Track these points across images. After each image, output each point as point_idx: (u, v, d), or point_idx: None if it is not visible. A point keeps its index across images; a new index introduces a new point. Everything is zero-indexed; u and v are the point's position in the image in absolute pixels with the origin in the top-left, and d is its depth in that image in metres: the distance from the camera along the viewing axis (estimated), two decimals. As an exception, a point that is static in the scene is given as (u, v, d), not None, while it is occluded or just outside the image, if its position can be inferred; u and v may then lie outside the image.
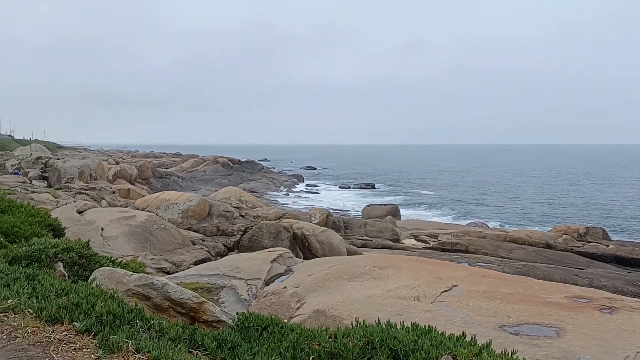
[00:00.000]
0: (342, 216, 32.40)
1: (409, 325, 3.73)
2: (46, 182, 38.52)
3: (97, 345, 2.77)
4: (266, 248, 14.75)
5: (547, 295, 7.45)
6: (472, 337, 3.64)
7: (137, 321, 3.10)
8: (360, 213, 41.22)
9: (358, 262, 9.57)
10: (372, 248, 22.44)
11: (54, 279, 3.92)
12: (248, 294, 9.05)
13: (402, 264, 9.23)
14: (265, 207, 29.50)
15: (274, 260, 10.59)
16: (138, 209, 21.27)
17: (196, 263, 14.53)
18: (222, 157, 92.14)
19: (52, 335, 2.88)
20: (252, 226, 20.28)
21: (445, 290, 7.46)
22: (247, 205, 28.14)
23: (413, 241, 25.94)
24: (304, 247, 18.53)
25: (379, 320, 3.94)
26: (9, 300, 3.34)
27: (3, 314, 3.18)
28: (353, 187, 76.40)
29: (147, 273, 7.06)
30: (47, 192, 25.96)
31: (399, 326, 3.80)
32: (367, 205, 43.00)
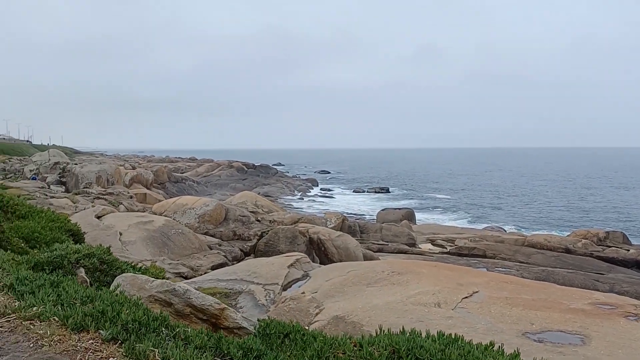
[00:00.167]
0: (357, 220, 32.32)
1: (435, 334, 3.67)
2: (64, 187, 38.97)
3: (124, 354, 2.75)
4: (282, 253, 14.74)
5: (570, 301, 7.32)
6: (499, 347, 3.57)
7: (163, 329, 3.09)
8: (375, 217, 41.08)
9: (376, 268, 9.50)
10: (388, 253, 22.32)
11: (78, 285, 3.93)
12: (266, 299, 9.04)
13: (421, 270, 9.15)
14: (281, 212, 29.53)
15: (291, 265, 10.58)
16: (155, 214, 21.41)
17: (213, 268, 14.56)
18: (236, 161, 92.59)
19: (79, 344, 2.87)
20: (268, 231, 20.29)
21: (466, 297, 7.37)
22: (263, 210, 28.19)
23: (430, 246, 25.75)
24: (320, 252, 18.48)
25: (403, 328, 3.88)
26: (34, 308, 3.34)
27: (29, 321, 3.18)
28: (367, 191, 76.18)
29: (166, 278, 7.07)
30: (65, 197, 26.26)
31: (424, 334, 3.74)
32: (382, 210, 42.85)
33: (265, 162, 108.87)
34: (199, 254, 16.62)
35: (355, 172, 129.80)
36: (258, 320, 4.38)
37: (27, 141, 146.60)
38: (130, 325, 3.01)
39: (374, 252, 21.30)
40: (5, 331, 3.07)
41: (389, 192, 75.93)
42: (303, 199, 62.46)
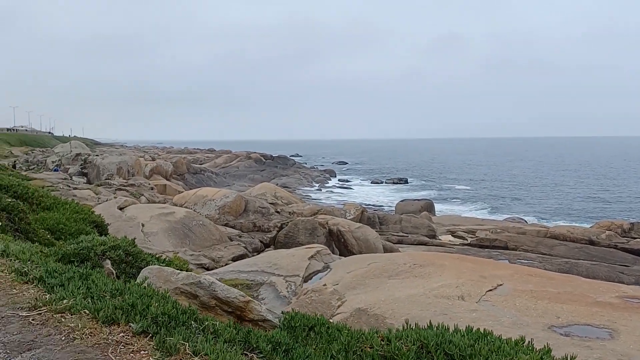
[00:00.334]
0: (376, 212, 32.22)
1: (463, 329, 3.63)
2: (85, 178, 39.54)
3: (155, 347, 2.76)
4: (302, 244, 14.77)
5: (597, 294, 7.21)
6: (529, 342, 3.51)
7: (192, 322, 3.10)
8: (393, 208, 40.89)
9: (397, 260, 9.46)
10: (408, 244, 22.23)
11: (106, 278, 3.96)
12: (287, 291, 9.06)
13: (443, 262, 9.08)
14: (300, 203, 29.57)
15: (312, 257, 10.59)
16: (176, 205, 21.60)
17: (234, 259, 14.67)
18: (254, 152, 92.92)
19: (110, 337, 2.89)
20: (287, 222, 20.36)
21: (491, 290, 7.30)
22: (282, 202, 28.26)
23: (450, 237, 25.56)
24: (339, 244, 18.48)
25: (430, 322, 3.85)
26: (65, 301, 3.37)
27: (60, 314, 3.21)
28: (386, 182, 75.90)
29: (190, 270, 7.12)
30: (88, 189, 26.63)
31: (451, 329, 3.69)
32: (401, 201, 42.64)
33: (283, 153, 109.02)
34: (220, 245, 16.74)
35: (373, 163, 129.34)
36: (282, 312, 4.38)
37: (49, 132, 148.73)
38: (160, 319, 3.02)
39: (394, 243, 21.24)
40: (37, 324, 3.11)
41: (408, 183, 75.56)
42: (321, 190, 62.48)
